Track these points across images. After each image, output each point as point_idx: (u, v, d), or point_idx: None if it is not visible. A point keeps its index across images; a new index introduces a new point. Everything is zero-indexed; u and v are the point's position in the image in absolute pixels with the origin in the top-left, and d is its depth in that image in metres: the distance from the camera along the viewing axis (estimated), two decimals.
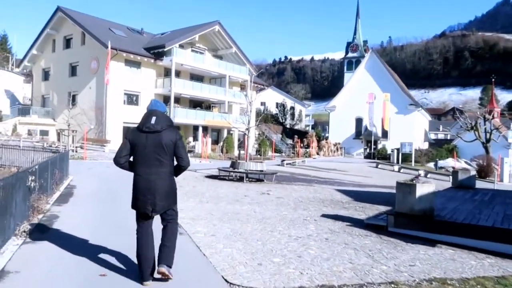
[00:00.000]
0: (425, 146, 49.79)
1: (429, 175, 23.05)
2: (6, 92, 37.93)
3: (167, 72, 32.28)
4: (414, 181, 6.95)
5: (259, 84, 41.47)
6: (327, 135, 62.21)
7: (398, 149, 32.19)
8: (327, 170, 23.11)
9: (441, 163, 31.42)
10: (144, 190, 3.66)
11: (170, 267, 3.78)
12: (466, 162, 30.91)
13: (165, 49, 30.76)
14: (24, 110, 34.32)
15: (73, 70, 32.49)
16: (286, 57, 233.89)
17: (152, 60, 31.37)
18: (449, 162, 30.25)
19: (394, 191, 14.69)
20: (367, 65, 50.45)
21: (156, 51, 31.31)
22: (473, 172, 12.85)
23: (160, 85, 32.06)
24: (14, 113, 34.01)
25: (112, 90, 28.80)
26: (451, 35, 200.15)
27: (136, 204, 3.74)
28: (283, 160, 24.92)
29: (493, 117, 32.15)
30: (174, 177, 3.84)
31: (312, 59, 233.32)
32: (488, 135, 29.50)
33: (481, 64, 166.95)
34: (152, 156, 3.64)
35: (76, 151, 22.93)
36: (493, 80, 52.86)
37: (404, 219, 6.83)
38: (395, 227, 6.89)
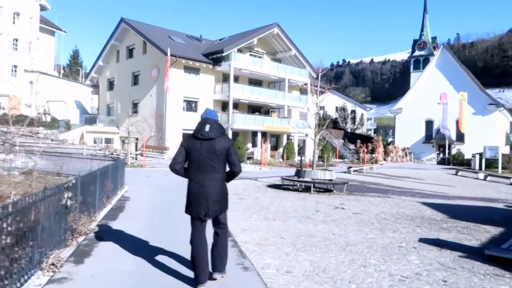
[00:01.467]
0: (506, 150, 44.57)
1: None
2: (76, 102, 39.81)
3: (225, 78, 31.72)
4: None
5: (320, 87, 39.57)
6: (390, 139, 58.50)
7: (480, 154, 28.64)
8: (400, 178, 20.78)
9: None
10: (198, 195, 3.77)
11: (224, 272, 3.97)
12: None
13: (223, 54, 30.19)
14: (91, 120, 35.61)
15: (135, 79, 33.10)
16: (344, 60, 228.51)
17: (211, 66, 30.96)
18: None
19: (492, 204, 12.46)
20: (438, 63, 46.42)
21: (215, 57, 30.87)
22: None
23: (219, 90, 31.55)
24: (82, 122, 35.39)
25: (171, 97, 28.73)
26: None
27: (189, 208, 3.86)
28: (349, 167, 22.96)
29: None
30: (226, 183, 3.94)
31: (371, 61, 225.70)
32: None
33: None
34: (206, 162, 3.75)
35: (136, 159, 22.84)
36: None
37: None
38: None
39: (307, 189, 13.26)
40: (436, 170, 27.86)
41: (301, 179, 13.35)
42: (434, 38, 59.92)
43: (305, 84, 36.45)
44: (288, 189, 13.34)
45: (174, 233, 6.07)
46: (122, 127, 32.86)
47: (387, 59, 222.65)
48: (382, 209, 9.77)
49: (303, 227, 7.04)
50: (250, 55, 33.65)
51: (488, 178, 22.19)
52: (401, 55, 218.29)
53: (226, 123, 29.48)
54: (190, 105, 30.82)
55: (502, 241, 6.73)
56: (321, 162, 29.18)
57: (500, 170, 26.38)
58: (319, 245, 5.81)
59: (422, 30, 60.15)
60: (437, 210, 10.03)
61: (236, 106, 32.07)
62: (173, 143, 27.64)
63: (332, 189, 13.54)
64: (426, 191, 15.23)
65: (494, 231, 7.65)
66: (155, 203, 9.37)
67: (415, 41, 60.04)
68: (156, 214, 7.93)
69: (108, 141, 33.81)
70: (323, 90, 41.93)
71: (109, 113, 36.32)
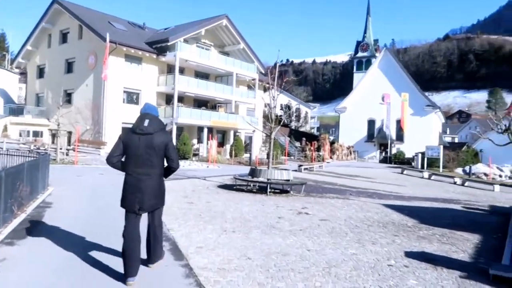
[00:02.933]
0: None
1: (467, 183, 20.42)
2: None
3: (170, 69, 29.72)
4: None
5: (267, 83, 38.88)
6: (331, 137, 59.67)
7: (422, 153, 29.54)
8: (352, 177, 20.46)
9: (468, 168, 28.71)
10: (133, 188, 3.76)
11: (158, 259, 4.15)
12: (498, 168, 28.24)
13: (169, 44, 28.17)
14: (17, 110, 31.78)
15: (69, 66, 29.94)
16: (287, 60, 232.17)
17: (154, 56, 28.79)
18: (480, 168, 27.56)
19: (450, 205, 12.19)
20: (381, 64, 47.81)
21: (159, 46, 28.74)
22: None
23: (163, 82, 29.47)
24: (6, 112, 31.43)
25: (110, 88, 26.22)
26: (455, 38, 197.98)
27: (124, 202, 3.83)
28: (300, 165, 22.28)
29: None
30: (163, 179, 3.96)
31: (314, 61, 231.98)
32: None
33: (486, 67, 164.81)
34: (144, 157, 3.75)
35: (67, 154, 20.32)
36: None
37: None
38: None
39: (262, 190, 12.16)
40: (382, 169, 28.23)
41: (255, 179, 12.21)
42: (376, 41, 61.94)
43: (253, 79, 35.50)
44: (242, 190, 12.13)
45: (109, 269, 4.56)
46: (53, 119, 29.59)
47: (328, 60, 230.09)
48: (348, 214, 8.89)
49: (270, 242, 5.85)
50: (197, 46, 31.89)
51: (433, 177, 22.69)
52: (342, 57, 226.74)
53: (171, 117, 27.59)
54: (131, 97, 28.44)
55: (489, 252, 6.09)
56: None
57: (441, 169, 27.33)
58: (297, 267, 4.65)
59: (365, 32, 61.89)
60: (403, 214, 9.38)
61: (181, 99, 30.22)
62: (111, 137, 25.26)
63: (289, 190, 12.56)
64: (381, 191, 14.81)
65: (472, 238, 7.04)
66: (86, 209, 7.67)
67: (358, 43, 61.65)
68: (85, 228, 6.29)
69: (37, 134, 30.32)
70: (273, 86, 41.23)
71: (38, 103, 32.64)
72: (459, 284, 4.40)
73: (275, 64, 13.70)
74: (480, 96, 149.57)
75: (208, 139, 29.45)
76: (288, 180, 12.18)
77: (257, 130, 33.37)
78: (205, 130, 30.13)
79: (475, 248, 6.33)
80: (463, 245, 6.45)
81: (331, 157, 36.92)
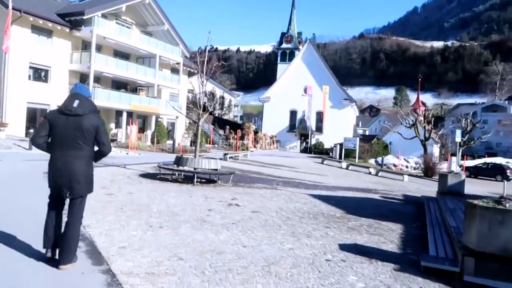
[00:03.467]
0: None
1: (380, 173, 21.87)
2: None
3: (85, 46, 27.17)
4: (506, 204, 4.54)
5: (192, 68, 37.74)
6: (254, 126, 60.49)
7: (340, 144, 31.10)
8: (276, 167, 20.68)
9: (380, 159, 30.99)
10: (60, 171, 3.60)
11: (71, 262, 3.71)
12: (405, 159, 30.88)
13: (84, 17, 25.65)
14: None
15: None
16: (212, 46, 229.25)
17: (67, 29, 26.02)
18: (390, 159, 29.85)
19: (369, 195, 12.78)
20: (304, 57, 49.24)
21: (73, 19, 26.02)
22: (463, 177, 11.24)
23: (77, 60, 26.86)
24: None
25: (13, 62, 23.06)
26: (369, 37, 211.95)
27: (50, 183, 3.71)
28: (225, 154, 21.94)
29: (428, 117, 32.54)
30: (93, 163, 3.80)
31: (238, 50, 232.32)
32: (427, 133, 29.63)
33: (394, 66, 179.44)
34: (71, 139, 3.59)
35: None
36: (419, 80, 54.96)
37: (493, 264, 4.40)
38: (476, 276, 4.43)
39: (188, 180, 11.57)
40: (304, 159, 29.11)
41: (181, 168, 11.58)
42: (299, 33, 63.40)
43: (178, 63, 34.16)
44: (166, 180, 11.40)
45: None
46: None
47: (252, 50, 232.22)
48: (278, 205, 8.75)
49: (203, 238, 5.39)
50: (117, 23, 29.58)
51: (350, 167, 23.95)
52: (266, 47, 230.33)
53: None
54: (39, 74, 25.45)
55: (413, 242, 6.34)
56: (193, 147, 27.53)
57: (357, 159, 29.03)
58: (235, 267, 4.27)
59: (289, 24, 63.02)
60: (330, 204, 9.54)
61: (97, 80, 27.91)
62: (14, 118, 22.41)
63: (216, 179, 12.14)
64: (306, 181, 15.10)
65: (395, 228, 7.33)
66: None
67: (282, 34, 62.56)
68: None
69: None
70: (196, 71, 40.26)
71: None
72: (395, 278, 4.39)
73: (205, 48, 13.05)
74: (388, 93, 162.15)
75: (127, 124, 27.68)
76: (216, 170, 11.75)
77: (180, 116, 32.38)
78: (124, 114, 28.27)
79: (400, 238, 6.55)
80: (389, 235, 6.65)
81: (255, 146, 37.22)
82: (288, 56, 59.45)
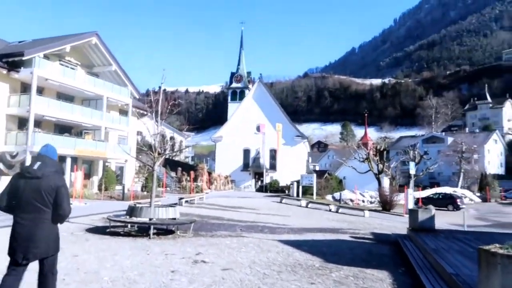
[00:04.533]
0: None
1: (340, 210, 21.55)
2: None
3: (25, 88, 25.17)
4: None
5: (142, 109, 36.43)
6: (206, 166, 59.31)
7: (297, 182, 30.80)
8: (235, 209, 19.68)
9: (336, 194, 30.98)
10: (18, 236, 3.55)
11: None
12: (361, 194, 31.11)
13: (24, 59, 23.90)
14: None
15: None
16: (160, 88, 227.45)
17: (5, 71, 24.01)
18: (347, 194, 29.93)
19: (339, 236, 12.09)
20: (255, 95, 49.73)
21: (11, 60, 24.12)
22: (433, 212, 11.02)
23: (15, 103, 24.69)
24: None
25: None
26: (313, 76, 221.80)
27: (9, 250, 3.61)
28: (180, 198, 20.61)
29: (378, 151, 33.42)
30: (56, 225, 3.70)
31: (187, 91, 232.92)
32: (381, 166, 30.28)
33: (338, 103, 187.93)
34: (30, 202, 3.54)
35: None
36: (366, 115, 57.27)
37: None
38: None
39: (142, 231, 10.31)
40: (261, 198, 28.32)
41: (135, 219, 10.33)
42: (249, 73, 64.60)
43: (126, 105, 32.76)
44: (118, 234, 10.07)
45: None
46: None
47: (201, 90, 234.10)
48: (250, 258, 7.81)
49: None
50: (61, 64, 27.94)
51: (310, 205, 23.47)
52: (214, 88, 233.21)
53: (24, 145, 23.17)
54: None
55: None
56: (145, 193, 25.86)
57: (314, 196, 28.78)
58: None
59: (238, 64, 64.12)
60: (304, 251, 8.76)
61: (38, 124, 25.78)
62: None
63: (173, 229, 10.96)
64: (270, 224, 14.25)
65: (383, 277, 6.66)
66: None
67: (232, 74, 63.37)
68: None
69: None
70: (146, 112, 38.87)
71: None
72: None
73: (160, 87, 12.22)
74: (334, 129, 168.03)
75: (72, 170, 25.52)
76: (175, 219, 10.62)
77: (130, 160, 30.64)
78: (68, 160, 26.12)
79: None
80: (381, 287, 5.95)
81: (209, 188, 35.95)
82: (239, 95, 59.91)
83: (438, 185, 61.66)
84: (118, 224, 10.87)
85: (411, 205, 22.63)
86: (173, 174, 42.50)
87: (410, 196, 22.52)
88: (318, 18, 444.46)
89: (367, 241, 11.31)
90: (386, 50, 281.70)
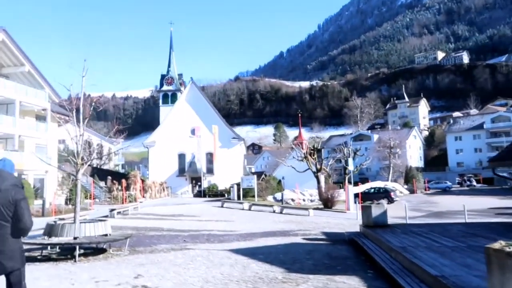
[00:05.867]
0: None
1: (284, 211, 20.99)
2: None
3: None
4: None
5: (63, 114, 33.02)
6: (138, 172, 56.30)
7: (238, 184, 29.82)
8: (175, 217, 18.16)
9: (278, 195, 30.57)
10: None
11: None
12: (301, 193, 31.02)
13: None
14: None
15: None
16: (84, 93, 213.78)
17: None
18: (287, 194, 29.62)
19: (291, 239, 11.22)
20: (188, 97, 47.89)
21: None
22: (386, 207, 10.68)
23: None
24: None
25: None
26: (244, 79, 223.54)
27: None
28: (112, 210, 18.53)
29: (315, 150, 33.72)
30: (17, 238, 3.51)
31: (113, 96, 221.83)
32: (319, 165, 30.44)
33: (270, 105, 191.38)
34: None
35: None
36: (299, 115, 58.18)
37: None
38: None
39: (66, 253, 8.61)
40: (201, 204, 26.88)
41: (56, 240, 8.58)
42: (180, 75, 62.50)
43: (44, 110, 29.39)
44: (34, 259, 8.27)
45: None
46: None
47: (129, 95, 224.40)
48: (201, 275, 6.63)
49: None
50: None
51: (253, 207, 22.62)
52: (143, 92, 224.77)
53: None
54: None
55: None
56: (70, 206, 23.13)
57: (256, 198, 28.02)
58: None
59: (169, 66, 61.77)
60: (261, 261, 7.78)
61: None
62: None
63: (105, 247, 9.36)
64: (216, 232, 13.09)
65: (356, 284, 5.91)
66: None
67: (163, 76, 60.85)
68: None
69: None
70: (68, 118, 35.40)
71: None
72: None
73: (84, 93, 10.49)
74: (267, 130, 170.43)
75: None
76: (106, 235, 9.04)
77: (51, 170, 27.46)
78: None
79: None
80: None
81: (143, 196, 33.59)
82: (171, 98, 57.66)
83: (367, 180, 64.68)
84: (36, 246, 9.00)
85: (352, 201, 22.86)
86: (102, 184, 39.30)
87: (350, 193, 22.67)
88: (247, 22, 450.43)
89: (321, 242, 10.66)
90: (312, 54, 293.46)
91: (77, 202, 9.27)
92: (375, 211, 10.35)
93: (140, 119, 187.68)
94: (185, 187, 45.28)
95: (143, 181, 36.55)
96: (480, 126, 70.15)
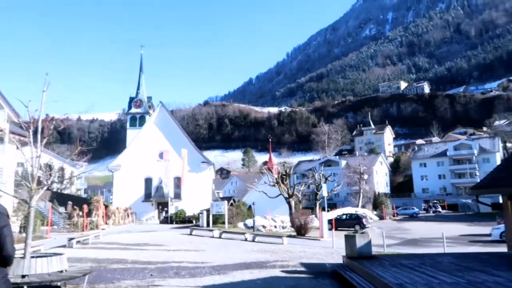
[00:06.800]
0: None
1: (257, 238, 20.07)
2: None
3: None
4: None
5: (23, 136, 30.99)
6: (102, 197, 53.76)
7: (207, 210, 28.61)
8: (140, 247, 16.84)
9: (249, 222, 29.59)
10: None
11: None
12: (272, 219, 30.19)
13: None
14: None
15: None
16: (47, 115, 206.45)
17: None
18: (258, 221, 28.69)
19: (270, 272, 10.31)
20: (157, 120, 46.62)
21: None
22: (370, 236, 10.11)
23: None
24: None
25: None
26: (213, 104, 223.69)
27: None
28: (70, 239, 16.96)
29: (287, 175, 33.20)
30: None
31: (79, 118, 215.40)
32: (290, 191, 29.86)
33: (239, 130, 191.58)
34: None
35: None
36: (270, 140, 57.93)
37: None
38: None
39: None
40: (168, 231, 25.42)
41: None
42: (149, 98, 61.13)
43: (1, 130, 27.36)
44: None
45: None
46: None
47: (95, 118, 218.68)
48: None
49: None
50: None
51: (223, 235, 21.52)
52: (110, 115, 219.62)
53: None
54: None
55: None
56: (25, 235, 21.15)
57: (226, 225, 26.90)
58: None
59: (138, 88, 60.31)
60: None
61: None
62: None
63: (59, 285, 8.16)
64: (186, 263, 12.03)
65: None
66: None
67: (131, 99, 59.25)
68: None
69: None
70: (26, 139, 33.22)
71: None
72: None
73: (47, 114, 9.45)
74: (236, 155, 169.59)
75: None
76: (62, 272, 7.88)
77: (5, 196, 25.33)
78: None
79: None
80: None
81: (106, 223, 31.61)
82: (139, 121, 56.02)
83: (335, 206, 64.76)
84: None
85: (326, 228, 22.28)
86: (62, 209, 36.88)
87: (324, 219, 22.13)
88: (217, 48, 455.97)
89: (302, 275, 9.89)
90: (281, 81, 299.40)
91: (28, 232, 8.12)
92: (360, 241, 9.76)
93: (105, 143, 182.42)
94: (151, 213, 43.34)
95: (106, 206, 34.57)
96: (443, 153, 72.58)
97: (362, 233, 10.14)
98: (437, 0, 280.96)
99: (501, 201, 9.79)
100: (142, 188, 45.05)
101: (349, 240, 9.97)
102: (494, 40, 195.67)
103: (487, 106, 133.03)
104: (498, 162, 66.22)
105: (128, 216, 36.61)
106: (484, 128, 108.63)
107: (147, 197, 44.91)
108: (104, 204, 34.23)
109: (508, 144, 79.41)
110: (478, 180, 68.42)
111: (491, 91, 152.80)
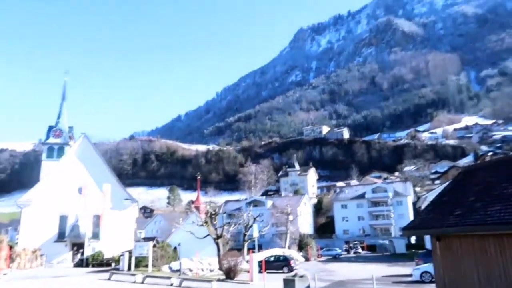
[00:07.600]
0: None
1: (184, 283, 18.95)
2: None
3: None
4: None
5: None
6: (6, 237, 47.72)
7: (130, 252, 26.52)
8: None
9: (174, 264, 27.97)
10: None
11: None
12: (200, 262, 28.88)
13: None
14: None
15: None
16: None
17: None
18: (185, 263, 27.25)
19: None
20: (78, 152, 43.38)
21: None
22: (309, 280, 10.01)
23: None
24: None
25: None
26: (139, 139, 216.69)
27: None
28: None
29: (215, 214, 32.54)
30: None
31: None
32: (220, 230, 29.06)
33: (165, 167, 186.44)
34: None
35: None
36: (198, 178, 56.86)
37: None
38: None
39: None
40: (83, 276, 22.95)
41: None
42: (71, 128, 57.18)
43: None
44: None
45: None
46: None
47: (5, 148, 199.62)
48: None
49: None
50: None
51: (147, 280, 19.97)
52: (24, 145, 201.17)
53: None
54: None
55: None
56: None
57: (150, 268, 25.05)
58: None
59: (59, 117, 56.12)
60: None
61: None
62: None
63: None
64: None
65: None
66: None
67: (50, 128, 54.83)
68: None
69: None
70: None
71: None
72: None
73: None
74: (161, 193, 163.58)
75: None
76: None
77: None
78: None
79: None
80: None
81: (9, 267, 27.75)
82: (57, 152, 51.72)
83: (261, 247, 64.49)
84: None
85: (256, 271, 21.86)
86: None
87: (255, 261, 21.75)
88: (146, 82, 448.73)
89: None
90: (210, 119, 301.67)
91: None
92: (299, 285, 9.62)
93: (16, 175, 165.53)
94: (64, 254, 39.17)
95: (11, 247, 30.52)
96: (362, 196, 77.16)
97: (301, 276, 10.04)
98: (355, 54, 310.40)
99: (428, 242, 10.41)
100: (55, 227, 40.80)
101: (288, 285, 9.78)
102: (403, 94, 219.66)
103: (398, 153, 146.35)
104: (410, 205, 72.16)
105: (36, 258, 32.65)
106: (396, 173, 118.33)
107: (61, 236, 40.67)
108: (8, 245, 30.19)
109: (417, 188, 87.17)
110: (393, 222, 73.47)
111: (401, 139, 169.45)
